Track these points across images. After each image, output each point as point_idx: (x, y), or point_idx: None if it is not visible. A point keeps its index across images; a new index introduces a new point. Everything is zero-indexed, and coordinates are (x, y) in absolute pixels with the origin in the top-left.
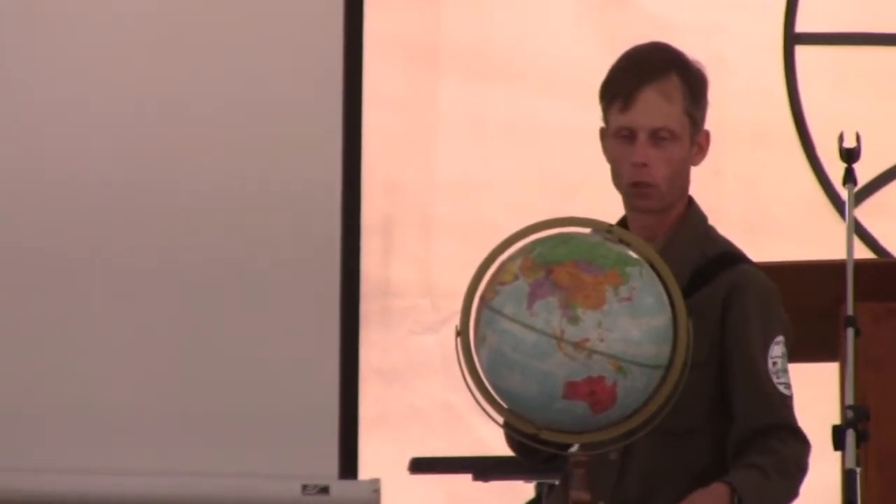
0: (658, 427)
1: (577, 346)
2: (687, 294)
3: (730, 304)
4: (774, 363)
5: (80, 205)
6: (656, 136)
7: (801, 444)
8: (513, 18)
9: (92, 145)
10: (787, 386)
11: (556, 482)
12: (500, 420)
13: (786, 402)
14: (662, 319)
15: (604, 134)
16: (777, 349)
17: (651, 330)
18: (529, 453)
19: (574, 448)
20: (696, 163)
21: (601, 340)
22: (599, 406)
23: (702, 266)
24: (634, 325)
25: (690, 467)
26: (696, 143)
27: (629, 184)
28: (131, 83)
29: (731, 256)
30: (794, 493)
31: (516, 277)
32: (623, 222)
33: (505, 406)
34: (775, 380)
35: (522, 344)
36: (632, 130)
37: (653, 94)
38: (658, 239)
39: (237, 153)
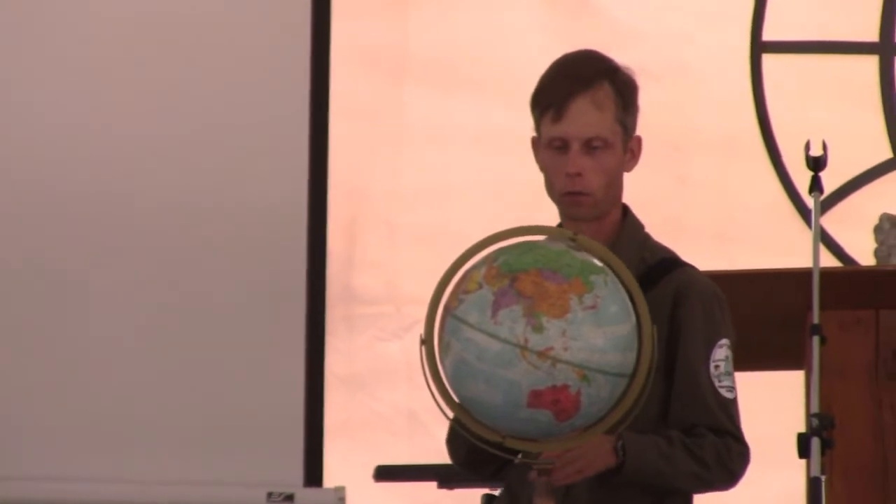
0: (608, 432)
1: (542, 354)
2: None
3: (677, 307)
4: (717, 366)
5: (49, 215)
6: (589, 146)
7: (736, 444)
8: (479, 28)
9: (61, 154)
10: (730, 389)
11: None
12: (460, 422)
13: (726, 406)
14: (627, 327)
15: (536, 143)
16: (720, 352)
17: (616, 338)
18: (476, 468)
19: (518, 457)
20: (628, 169)
21: (565, 349)
22: (564, 414)
23: (644, 272)
24: (599, 334)
25: None
26: (629, 149)
27: (563, 193)
28: (99, 90)
29: (672, 261)
30: (704, 483)
31: (480, 286)
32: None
33: (469, 414)
34: (717, 383)
35: (486, 352)
36: (564, 140)
37: (584, 103)
38: None
39: (204, 161)
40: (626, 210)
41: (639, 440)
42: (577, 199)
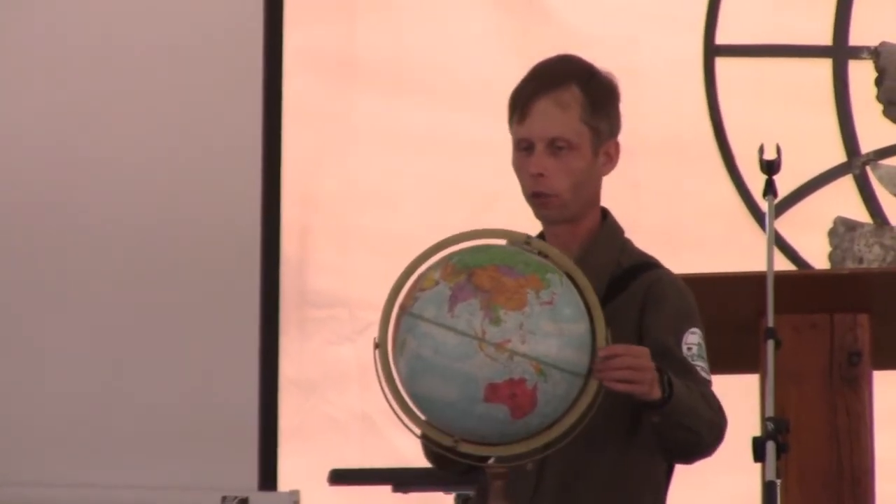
0: (562, 437)
1: (499, 346)
2: (604, 303)
3: (645, 305)
4: (690, 349)
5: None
6: (553, 146)
7: (722, 413)
8: (429, 32)
9: (12, 164)
10: (706, 371)
11: (471, 493)
12: (418, 432)
13: (706, 381)
14: (582, 327)
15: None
16: (693, 338)
17: (571, 336)
18: (448, 464)
19: (492, 460)
20: (604, 173)
21: (523, 342)
22: (520, 411)
23: (618, 275)
24: (555, 329)
25: (608, 474)
26: (604, 153)
27: (529, 194)
28: (49, 96)
29: (646, 265)
30: (715, 431)
31: (437, 283)
32: (542, 235)
33: (423, 418)
34: (691, 362)
35: (444, 346)
36: (529, 141)
37: (547, 104)
38: (572, 250)
39: (156, 165)
40: (605, 214)
41: (676, 380)
42: (544, 201)
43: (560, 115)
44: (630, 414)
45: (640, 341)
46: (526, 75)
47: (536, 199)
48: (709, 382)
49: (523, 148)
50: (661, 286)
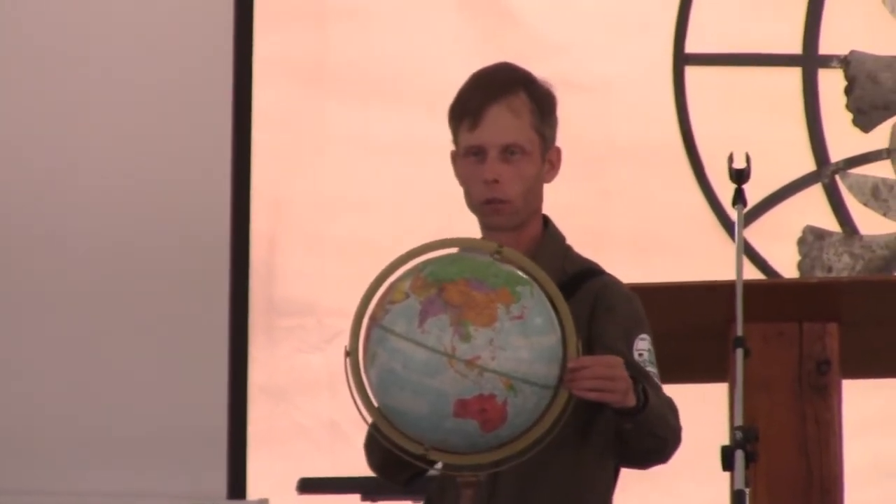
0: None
1: (469, 363)
2: None
3: (594, 312)
4: (641, 354)
5: None
6: (506, 152)
7: (679, 418)
8: (399, 39)
9: None
10: (657, 377)
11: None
12: (383, 434)
13: (659, 387)
14: (552, 339)
15: (454, 157)
16: (643, 343)
17: (541, 349)
18: (391, 474)
19: (438, 465)
20: (548, 180)
21: (493, 358)
22: (490, 424)
23: (564, 282)
24: (525, 344)
25: (560, 478)
26: (548, 160)
27: (482, 201)
28: (18, 104)
29: (591, 271)
30: (677, 437)
31: (407, 296)
32: None
33: (393, 426)
34: (644, 368)
35: (413, 361)
36: (481, 148)
37: (501, 110)
38: None
39: (126, 172)
40: (546, 221)
41: (648, 387)
42: (497, 207)
43: (514, 121)
44: (581, 418)
45: (590, 348)
46: (468, 84)
47: (489, 205)
48: (660, 388)
49: (473, 154)
50: (609, 293)
